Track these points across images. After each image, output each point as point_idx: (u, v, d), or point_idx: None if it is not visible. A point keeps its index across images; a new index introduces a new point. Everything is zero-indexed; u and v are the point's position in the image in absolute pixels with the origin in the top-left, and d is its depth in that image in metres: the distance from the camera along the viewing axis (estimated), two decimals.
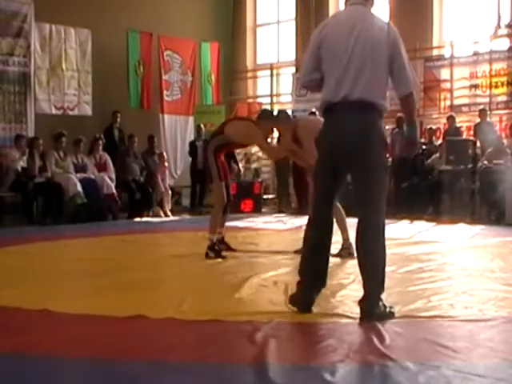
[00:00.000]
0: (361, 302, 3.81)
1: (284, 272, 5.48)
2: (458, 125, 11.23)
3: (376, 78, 3.81)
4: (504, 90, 11.06)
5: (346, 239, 6.38)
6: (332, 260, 6.02)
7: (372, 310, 3.74)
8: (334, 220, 4.18)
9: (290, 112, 13.27)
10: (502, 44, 11.44)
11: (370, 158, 3.79)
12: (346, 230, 6.37)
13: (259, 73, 15.38)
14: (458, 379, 2.75)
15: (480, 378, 2.77)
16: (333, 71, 3.85)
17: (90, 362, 3.05)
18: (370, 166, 3.80)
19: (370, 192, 3.82)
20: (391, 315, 3.80)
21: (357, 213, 3.89)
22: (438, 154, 10.87)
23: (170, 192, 11.81)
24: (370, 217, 3.81)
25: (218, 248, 6.54)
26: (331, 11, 13.70)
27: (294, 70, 14.05)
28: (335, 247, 6.52)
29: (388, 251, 6.59)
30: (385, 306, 3.81)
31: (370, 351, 3.13)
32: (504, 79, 11.04)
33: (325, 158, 3.94)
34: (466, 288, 4.74)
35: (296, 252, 6.37)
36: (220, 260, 6.20)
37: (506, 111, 11.14)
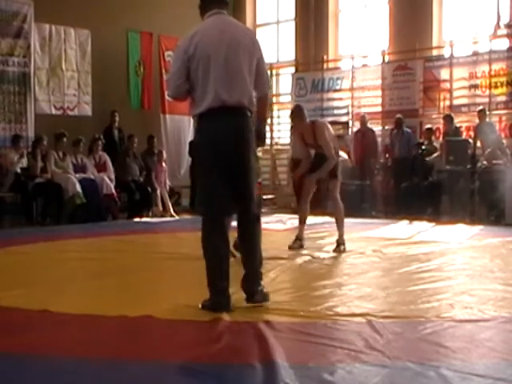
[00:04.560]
0: (249, 284, 4.12)
1: (283, 272, 5.48)
2: (458, 125, 11.23)
3: (249, 82, 4.07)
4: (503, 90, 11.04)
5: (341, 235, 6.78)
6: (329, 261, 6.09)
7: (261, 288, 4.13)
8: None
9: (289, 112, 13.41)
10: (502, 44, 11.42)
11: (248, 159, 4.09)
12: (343, 227, 6.81)
13: None
14: (457, 379, 2.76)
15: (479, 378, 2.78)
16: (209, 79, 3.99)
17: (90, 363, 3.05)
18: (249, 165, 4.10)
19: (251, 187, 4.13)
20: (267, 295, 4.14)
21: (238, 207, 4.15)
22: (438, 153, 10.88)
23: (165, 193, 11.66)
24: (253, 209, 4.15)
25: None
26: (331, 11, 13.72)
27: (293, 70, 14.05)
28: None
29: (388, 251, 6.67)
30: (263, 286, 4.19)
31: (370, 351, 3.14)
32: (503, 79, 11.02)
33: (212, 161, 4.04)
34: (466, 288, 4.75)
35: (290, 248, 6.75)
36: None
37: (505, 111, 11.12)
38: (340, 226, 6.77)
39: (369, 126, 12.09)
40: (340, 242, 6.72)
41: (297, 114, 6.85)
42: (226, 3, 4.24)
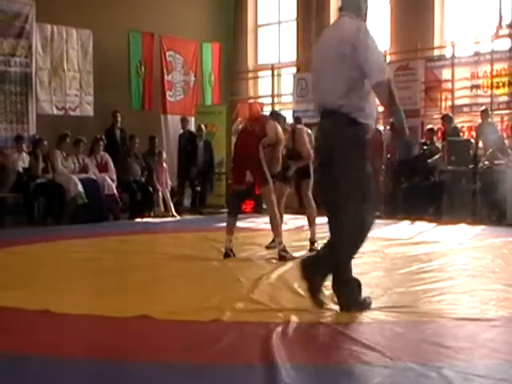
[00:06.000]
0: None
1: (284, 272, 5.47)
2: (459, 125, 11.21)
3: (338, 82, 3.96)
4: (505, 90, 11.03)
5: (314, 234, 6.89)
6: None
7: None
8: None
9: (291, 112, 13.40)
10: (504, 44, 11.39)
11: (337, 159, 3.95)
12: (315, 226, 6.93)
13: (260, 73, 15.35)
14: (459, 380, 2.75)
15: (481, 379, 2.77)
16: (311, 82, 4.29)
17: (90, 363, 3.05)
18: (338, 167, 3.95)
19: (339, 192, 3.97)
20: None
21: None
22: (440, 155, 10.85)
23: (167, 193, 11.62)
24: (337, 215, 3.98)
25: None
26: (332, 11, 13.69)
27: (295, 70, 14.03)
28: None
29: (389, 251, 6.65)
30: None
31: (371, 351, 3.13)
32: (505, 79, 11.00)
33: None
34: (467, 288, 4.74)
35: (267, 247, 6.88)
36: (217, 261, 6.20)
37: (507, 111, 11.11)
38: (312, 224, 6.92)
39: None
40: (313, 241, 6.82)
41: (275, 118, 6.97)
42: (347, 5, 4.18)
